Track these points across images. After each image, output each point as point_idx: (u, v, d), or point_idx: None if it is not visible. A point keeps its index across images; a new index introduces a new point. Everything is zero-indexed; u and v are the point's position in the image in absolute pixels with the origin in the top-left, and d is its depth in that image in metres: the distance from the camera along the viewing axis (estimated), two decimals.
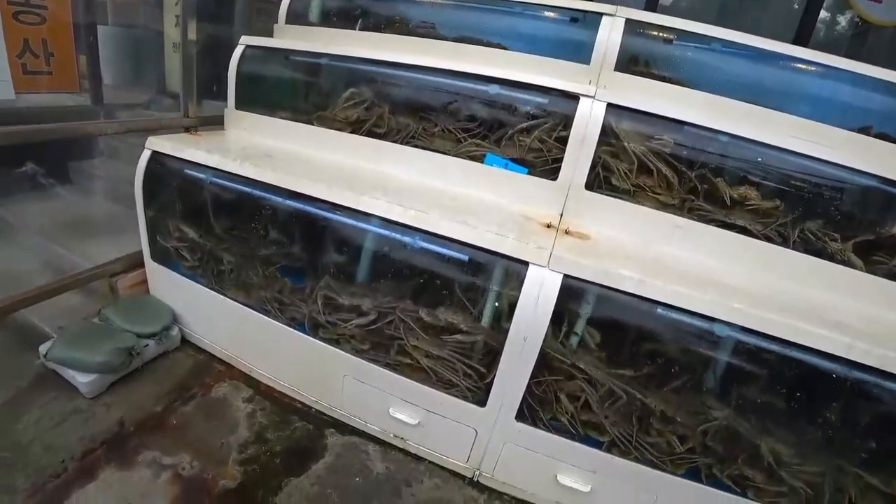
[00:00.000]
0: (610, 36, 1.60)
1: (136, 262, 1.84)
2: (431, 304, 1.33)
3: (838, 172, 1.43)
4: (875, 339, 1.24)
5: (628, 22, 1.61)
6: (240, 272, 1.67)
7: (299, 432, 1.54)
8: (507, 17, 1.85)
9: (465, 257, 1.26)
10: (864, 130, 1.62)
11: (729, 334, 1.16)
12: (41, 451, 1.31)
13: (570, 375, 1.25)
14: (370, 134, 1.67)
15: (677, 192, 1.45)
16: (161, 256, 1.77)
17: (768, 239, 1.43)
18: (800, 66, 1.64)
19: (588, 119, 1.42)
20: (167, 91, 3.08)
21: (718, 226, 1.42)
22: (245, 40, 1.89)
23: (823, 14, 3.15)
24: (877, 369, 1.13)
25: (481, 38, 1.82)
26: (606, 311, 1.23)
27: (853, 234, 1.43)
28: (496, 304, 1.26)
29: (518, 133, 1.51)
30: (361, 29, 2.03)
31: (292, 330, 1.53)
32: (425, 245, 1.30)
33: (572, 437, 1.28)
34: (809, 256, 1.42)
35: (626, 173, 1.46)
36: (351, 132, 1.69)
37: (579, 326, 1.27)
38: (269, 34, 2.12)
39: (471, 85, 1.60)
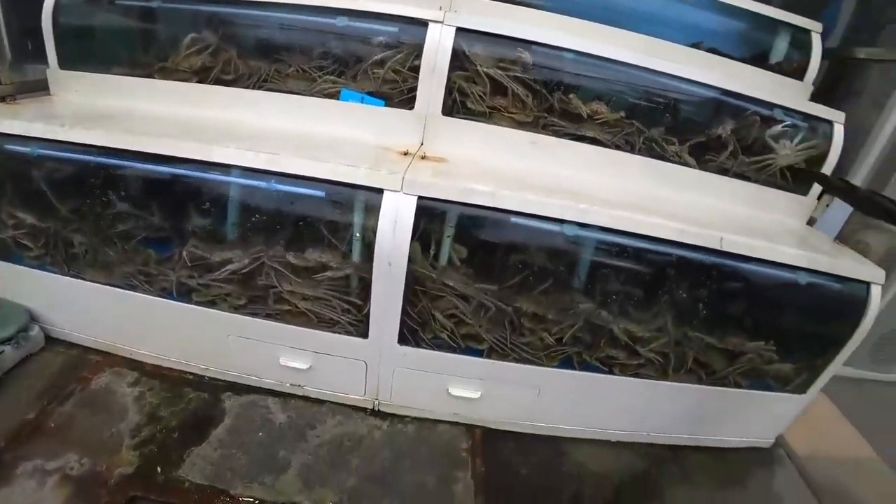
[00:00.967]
0: None
1: None
2: (299, 246, 1.31)
3: (675, 83, 1.57)
4: (704, 224, 1.43)
5: None
6: (96, 252, 1.52)
7: (194, 402, 1.49)
8: None
9: (322, 193, 1.24)
10: (696, 45, 1.78)
11: (578, 233, 1.26)
12: None
13: (441, 294, 1.31)
14: (218, 81, 1.55)
15: (531, 110, 1.51)
16: None
17: (617, 147, 1.55)
18: None
19: (437, 45, 1.42)
20: None
21: (572, 139, 1.51)
22: None
23: None
24: (705, 248, 1.30)
25: None
26: (468, 227, 1.29)
27: (688, 138, 1.59)
28: (359, 235, 1.27)
29: (372, 66, 1.48)
30: None
31: (166, 300, 1.44)
32: (283, 188, 1.26)
33: (454, 351, 1.36)
34: (652, 160, 1.57)
35: (480, 96, 1.50)
36: (198, 82, 1.56)
37: (444, 245, 1.32)
38: None
39: (319, 19, 1.52)
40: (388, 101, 1.47)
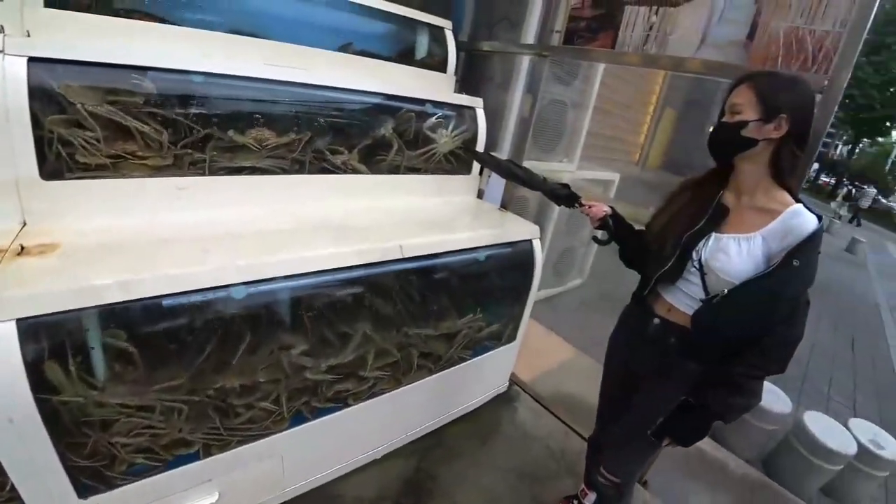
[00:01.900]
0: None
1: None
2: None
3: (332, 94, 1.49)
4: (395, 225, 1.44)
5: None
6: None
7: None
8: None
9: None
10: (345, 47, 1.76)
11: (249, 292, 1.11)
12: None
13: (116, 416, 0.99)
14: None
15: (169, 149, 1.25)
16: None
17: (284, 171, 1.43)
18: None
19: (3, 83, 0.99)
20: None
21: (228, 173, 1.32)
22: None
23: None
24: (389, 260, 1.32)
25: None
26: (119, 324, 0.97)
27: (356, 143, 1.58)
28: None
29: None
30: None
31: None
32: None
33: (163, 469, 1.08)
34: (324, 175, 1.49)
35: (91, 144, 1.15)
36: None
37: (95, 359, 1.00)
38: None
39: None
40: None
